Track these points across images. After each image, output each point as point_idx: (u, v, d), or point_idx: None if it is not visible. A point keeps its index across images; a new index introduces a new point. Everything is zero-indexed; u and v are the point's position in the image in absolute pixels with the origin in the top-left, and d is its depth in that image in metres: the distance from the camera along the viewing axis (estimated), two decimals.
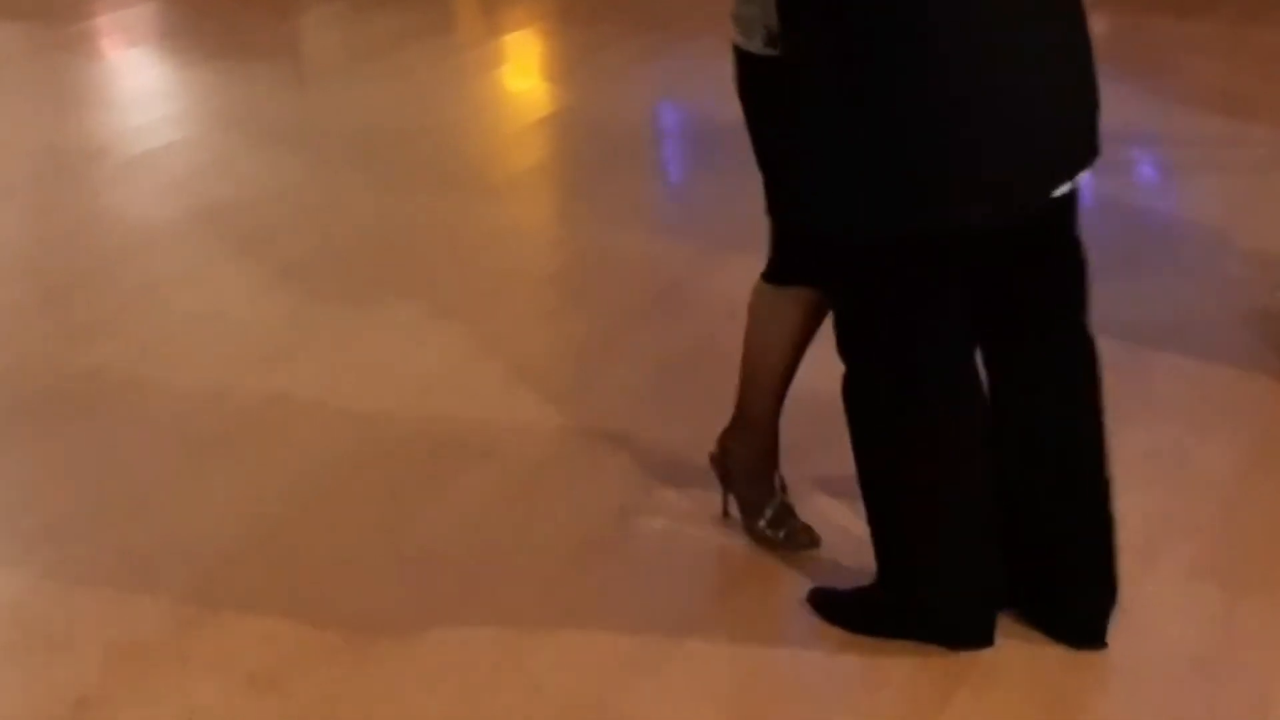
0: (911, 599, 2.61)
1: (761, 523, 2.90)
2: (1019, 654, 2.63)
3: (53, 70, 6.01)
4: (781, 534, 2.90)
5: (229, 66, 5.93)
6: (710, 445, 3.22)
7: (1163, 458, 3.23)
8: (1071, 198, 2.53)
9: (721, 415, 3.40)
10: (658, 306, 3.96)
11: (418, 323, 3.89)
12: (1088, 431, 2.65)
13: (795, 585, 2.83)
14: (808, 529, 2.90)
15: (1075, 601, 2.65)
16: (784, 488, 2.94)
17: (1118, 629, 2.69)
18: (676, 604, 2.78)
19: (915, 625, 2.61)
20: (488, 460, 3.24)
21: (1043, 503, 2.61)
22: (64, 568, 2.90)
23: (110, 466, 3.24)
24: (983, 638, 2.60)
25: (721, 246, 4.29)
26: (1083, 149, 2.48)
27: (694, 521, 3.03)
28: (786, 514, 2.92)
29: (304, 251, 4.31)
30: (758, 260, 4.23)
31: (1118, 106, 5.49)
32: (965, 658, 2.60)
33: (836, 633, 2.68)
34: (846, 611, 2.68)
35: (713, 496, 3.06)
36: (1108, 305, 3.89)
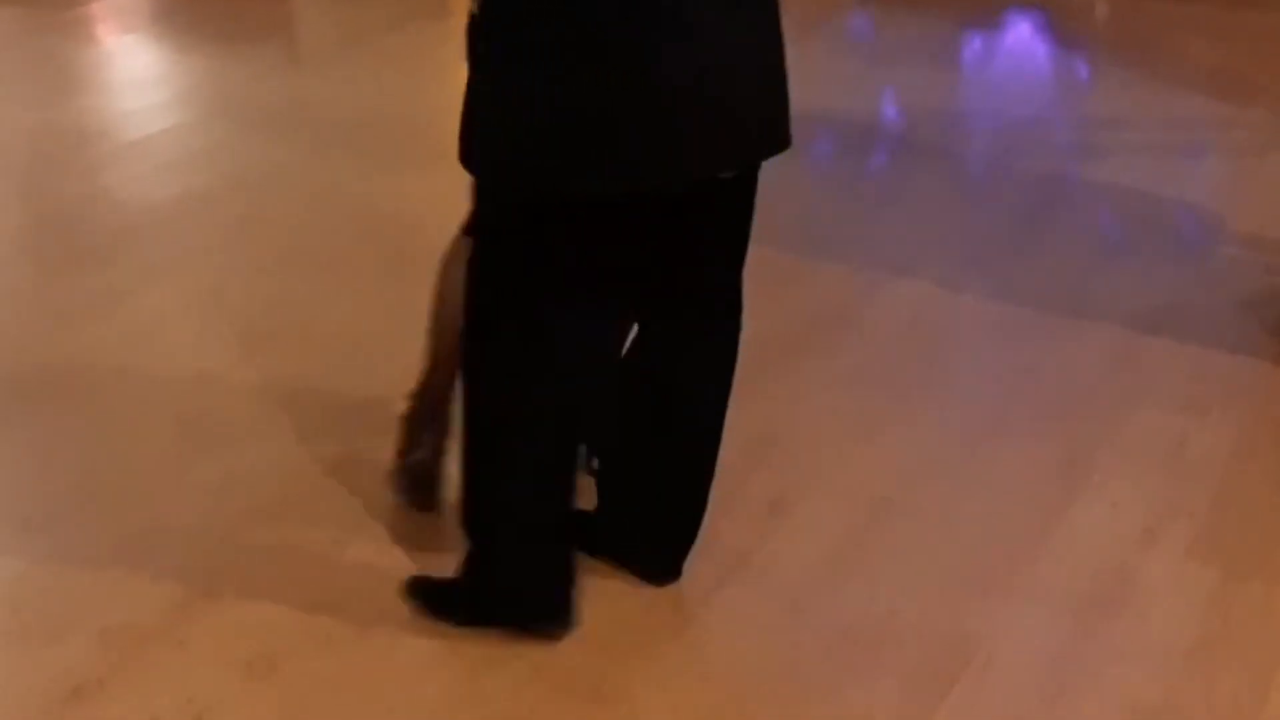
0: (490, 582, 2.63)
1: (408, 460, 2.95)
2: (1015, 645, 2.63)
3: (47, 55, 5.99)
4: (406, 480, 2.95)
5: (223, 51, 5.91)
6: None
7: (1159, 441, 3.24)
8: (747, 181, 2.53)
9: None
10: None
11: (413, 304, 3.86)
12: (716, 404, 2.70)
13: (794, 572, 2.83)
14: (435, 496, 2.94)
15: (665, 544, 2.76)
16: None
17: (1114, 611, 2.70)
18: (674, 588, 2.78)
19: (497, 609, 2.64)
20: None
21: (657, 459, 2.69)
22: (59, 553, 2.90)
23: (105, 450, 3.23)
24: (562, 620, 2.63)
25: None
26: (769, 136, 2.45)
27: None
28: (431, 466, 2.94)
29: (299, 235, 4.30)
30: (750, 243, 4.23)
31: (1114, 90, 5.57)
32: (966, 650, 2.61)
33: (835, 621, 2.69)
34: (437, 602, 2.69)
35: (725, 478, 3.07)
36: (1104, 290, 3.92)
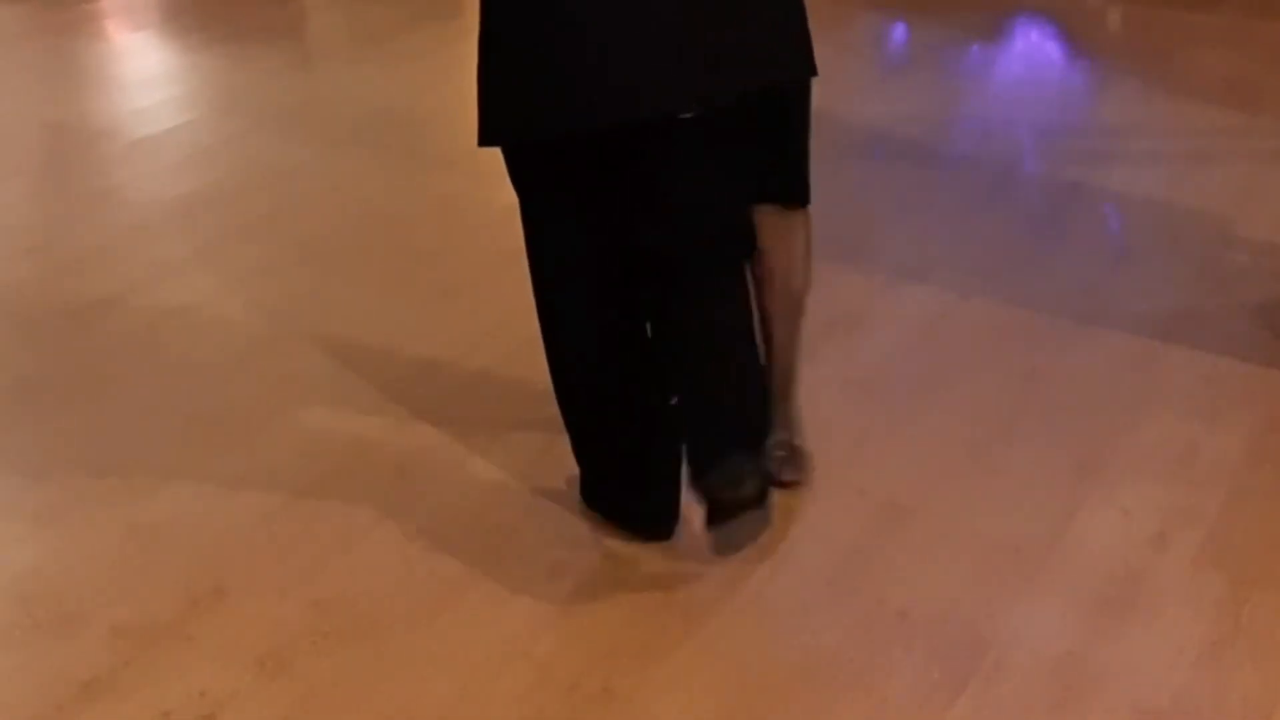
0: (587, 478, 2.95)
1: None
2: (1025, 648, 2.63)
3: (58, 52, 6.00)
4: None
5: (234, 50, 5.92)
6: None
7: (1171, 448, 3.23)
8: (740, 113, 2.67)
9: None
10: None
11: (423, 302, 3.88)
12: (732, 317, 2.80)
13: (805, 574, 2.83)
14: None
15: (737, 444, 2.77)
16: None
17: (1124, 615, 2.70)
18: (685, 590, 2.78)
19: (598, 503, 2.94)
20: (495, 441, 3.24)
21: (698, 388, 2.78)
22: (71, 548, 2.90)
23: (117, 446, 3.24)
24: (651, 527, 2.86)
25: None
26: (713, 81, 2.54)
27: (699, 506, 3.02)
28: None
29: (309, 232, 4.30)
30: None
31: (1126, 98, 5.56)
32: (976, 653, 2.60)
33: (846, 624, 2.69)
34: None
35: None
36: (1115, 296, 3.92)
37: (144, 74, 5.86)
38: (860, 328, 3.76)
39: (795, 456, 3.10)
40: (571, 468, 3.01)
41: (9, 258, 4.19)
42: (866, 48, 6.19)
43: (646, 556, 2.89)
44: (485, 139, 2.60)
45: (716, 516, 2.80)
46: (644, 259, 2.72)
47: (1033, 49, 6.23)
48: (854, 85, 5.63)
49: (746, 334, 2.81)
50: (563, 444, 3.23)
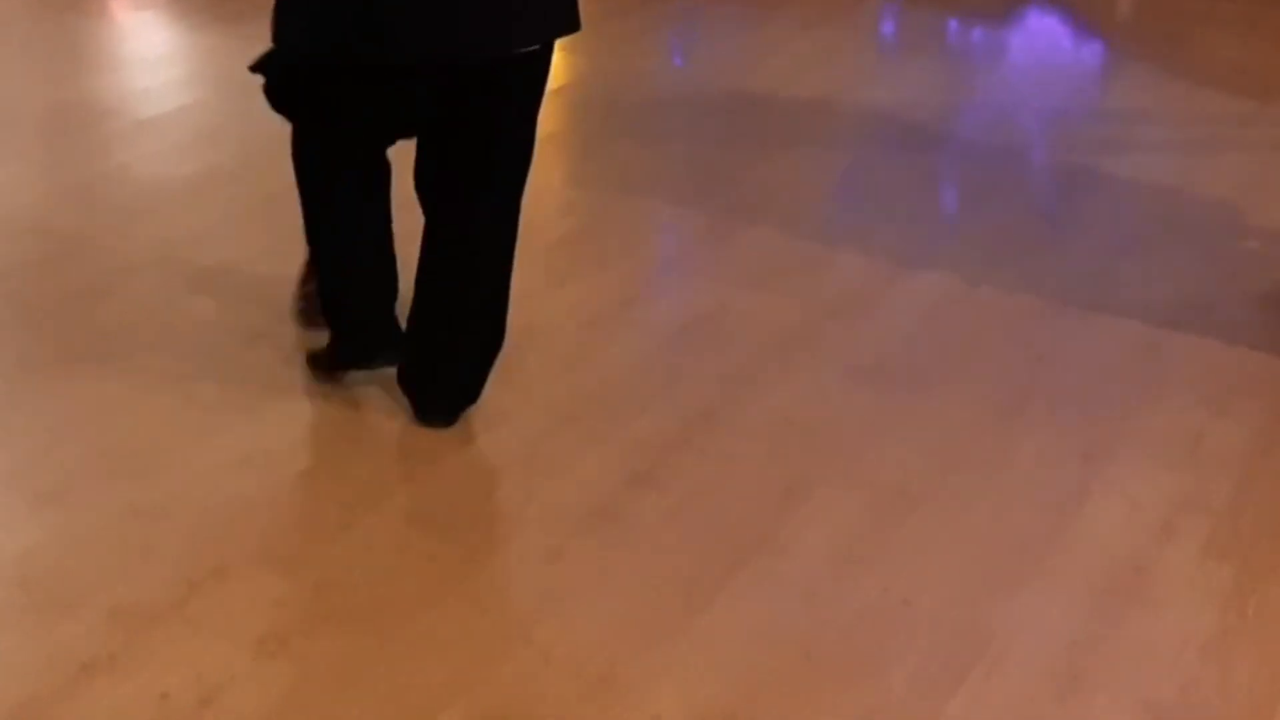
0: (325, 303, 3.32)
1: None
2: (1029, 637, 2.62)
3: (62, 31, 5.97)
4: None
5: (240, 29, 5.89)
6: (723, 416, 3.22)
7: (1178, 437, 3.22)
8: (516, 72, 2.95)
9: (734, 383, 3.40)
10: (668, 273, 3.95)
11: None
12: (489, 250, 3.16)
13: (808, 561, 2.82)
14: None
15: (442, 387, 3.20)
16: None
17: (1130, 605, 2.68)
18: (687, 576, 2.76)
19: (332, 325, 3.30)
20: (497, 425, 3.23)
21: (445, 298, 3.16)
22: (70, 529, 2.89)
23: (119, 426, 3.23)
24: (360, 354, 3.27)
25: (733, 215, 4.28)
26: (524, 27, 2.87)
27: (702, 493, 3.01)
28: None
29: None
30: (770, 230, 4.24)
31: (1135, 84, 5.54)
32: (980, 641, 2.59)
33: (849, 611, 2.67)
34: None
35: (726, 461, 3.06)
36: (1123, 284, 3.90)
37: (149, 53, 5.84)
38: (866, 314, 3.75)
39: None
40: (572, 458, 2.99)
41: (13, 237, 4.17)
42: (874, 31, 6.16)
43: (647, 545, 2.88)
44: (277, 43, 2.93)
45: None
46: (434, 186, 3.08)
47: (1042, 33, 6.20)
48: (861, 69, 5.61)
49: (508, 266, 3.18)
50: (564, 431, 3.23)
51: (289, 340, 3.57)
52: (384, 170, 3.20)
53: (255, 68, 3.10)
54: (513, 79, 2.97)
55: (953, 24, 6.15)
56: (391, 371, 3.27)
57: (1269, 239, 4.19)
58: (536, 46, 2.93)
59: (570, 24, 2.98)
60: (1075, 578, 2.77)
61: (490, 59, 2.88)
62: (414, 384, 3.22)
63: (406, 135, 3.09)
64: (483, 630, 2.62)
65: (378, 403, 3.32)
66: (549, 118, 5.15)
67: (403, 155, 3.16)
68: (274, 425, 3.23)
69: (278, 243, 4.11)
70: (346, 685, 2.49)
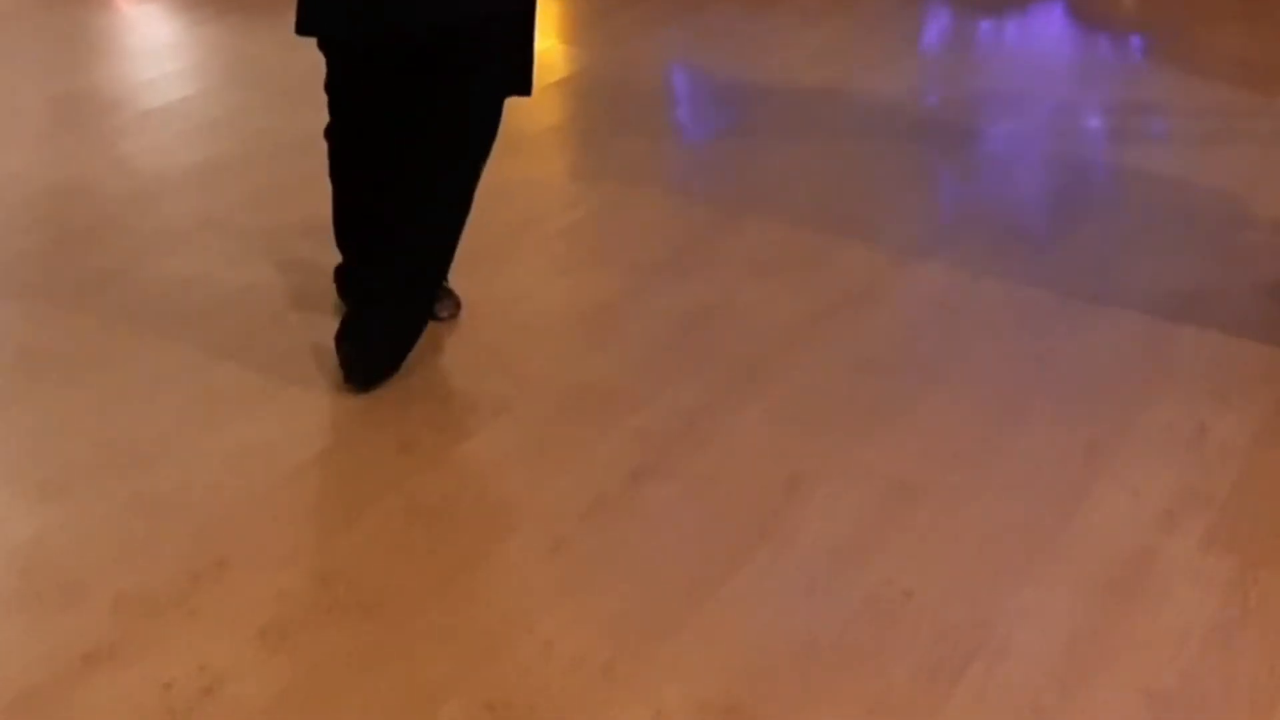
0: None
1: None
2: (1032, 628, 2.62)
3: (65, 22, 5.97)
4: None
5: (243, 21, 5.89)
6: (727, 406, 3.22)
7: (1182, 429, 3.21)
8: (471, 40, 3.21)
9: (738, 374, 3.40)
10: (673, 264, 3.94)
11: None
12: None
13: (811, 552, 2.81)
14: None
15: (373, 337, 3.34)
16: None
17: (1132, 596, 2.68)
18: (690, 568, 2.76)
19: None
20: (500, 417, 3.23)
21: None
22: (74, 519, 2.89)
23: (121, 418, 3.23)
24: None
25: (736, 207, 4.28)
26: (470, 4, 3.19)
27: (705, 484, 3.01)
28: None
29: (318, 204, 4.27)
30: (772, 222, 4.24)
31: (1141, 76, 5.52)
32: (982, 633, 2.59)
33: (852, 603, 2.67)
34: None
35: (729, 453, 3.06)
36: (1128, 275, 3.90)
37: (153, 45, 5.84)
38: (870, 305, 3.74)
39: (447, 296, 3.59)
40: (574, 450, 2.99)
41: (16, 228, 4.17)
42: (881, 23, 6.14)
43: (650, 537, 2.88)
44: (299, 29, 3.32)
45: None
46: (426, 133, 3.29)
47: (1047, 25, 6.19)
48: (867, 61, 5.60)
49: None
50: (569, 421, 3.23)
51: (292, 332, 3.57)
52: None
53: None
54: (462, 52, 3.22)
55: (958, 16, 6.14)
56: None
57: (1274, 231, 4.18)
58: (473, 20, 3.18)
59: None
60: (1078, 569, 2.76)
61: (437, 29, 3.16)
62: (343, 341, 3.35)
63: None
64: (484, 622, 2.62)
65: (380, 396, 3.32)
66: (551, 110, 5.16)
67: None
68: (276, 417, 3.23)
69: (281, 233, 4.11)
70: (348, 676, 2.49)
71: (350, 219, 3.51)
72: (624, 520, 2.91)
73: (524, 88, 3.39)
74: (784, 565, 2.78)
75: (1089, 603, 2.67)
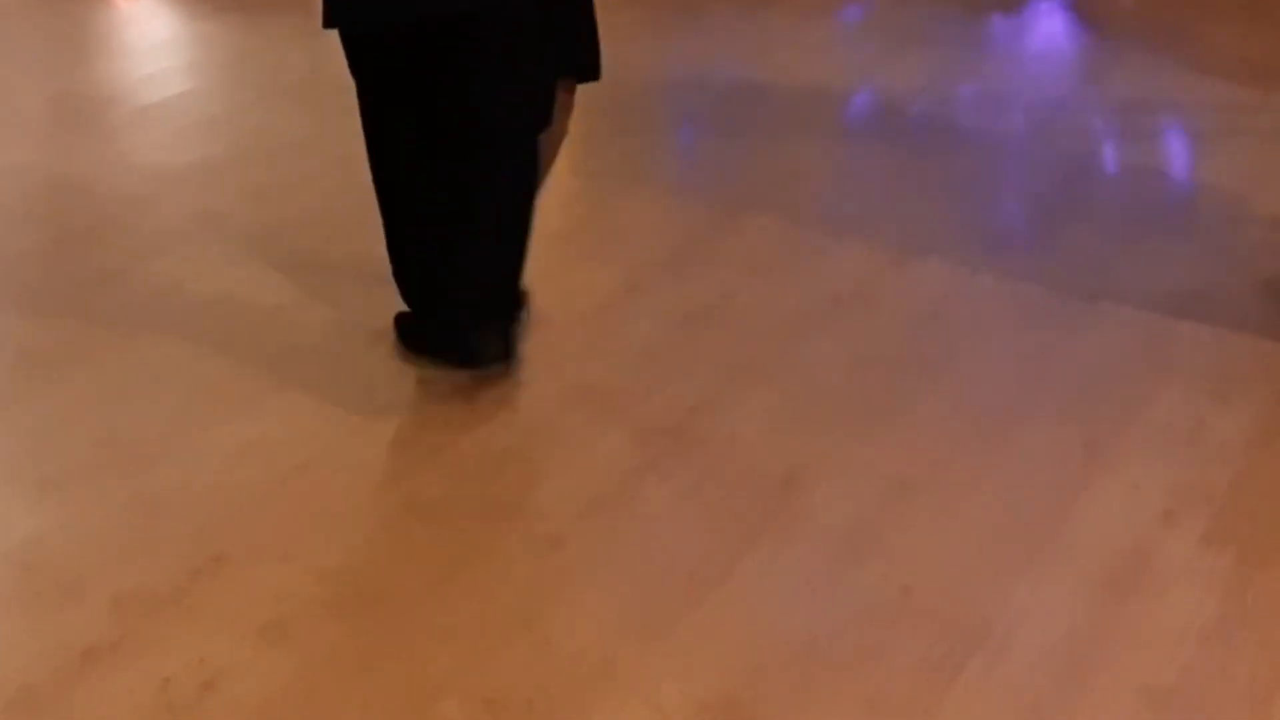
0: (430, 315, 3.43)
1: None
2: (1030, 625, 2.62)
3: (63, 19, 5.97)
4: None
5: (241, 18, 5.89)
6: (726, 404, 3.22)
7: (1180, 425, 3.21)
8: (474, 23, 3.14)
9: (737, 372, 3.40)
10: (672, 263, 3.95)
11: None
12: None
13: (810, 549, 2.82)
14: None
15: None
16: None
17: (1130, 593, 2.68)
18: (688, 565, 2.77)
19: (438, 344, 3.37)
20: (499, 414, 3.23)
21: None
22: (74, 516, 2.89)
23: (120, 415, 3.23)
24: (495, 355, 3.27)
25: (735, 206, 4.28)
26: None
27: (704, 481, 3.01)
28: None
29: (317, 202, 4.28)
30: (771, 220, 4.24)
31: (1139, 73, 5.53)
32: (981, 630, 2.59)
33: (850, 600, 2.67)
34: (407, 334, 3.45)
35: (729, 449, 3.06)
36: (1127, 272, 3.90)
37: (150, 41, 5.83)
38: (868, 304, 3.75)
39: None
40: (574, 446, 2.99)
41: (14, 226, 4.18)
42: (876, 21, 6.15)
43: (649, 533, 2.88)
44: (326, 23, 3.18)
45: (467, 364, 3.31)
46: (463, 129, 3.20)
47: (1045, 22, 6.19)
48: (864, 58, 5.60)
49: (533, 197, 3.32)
50: (568, 420, 3.23)
51: (292, 330, 3.57)
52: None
53: None
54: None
55: (955, 14, 6.14)
56: (396, 355, 3.28)
57: (1272, 227, 4.19)
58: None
59: None
60: (1076, 565, 2.77)
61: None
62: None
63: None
64: (484, 618, 2.62)
65: (380, 392, 3.32)
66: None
67: None
68: (276, 415, 3.23)
69: (279, 229, 4.11)
70: (348, 673, 2.49)
71: (412, 241, 3.38)
72: (623, 518, 2.91)
73: (587, 71, 3.37)
74: (783, 563, 2.78)
75: (1088, 600, 2.68)
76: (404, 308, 3.46)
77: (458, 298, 3.29)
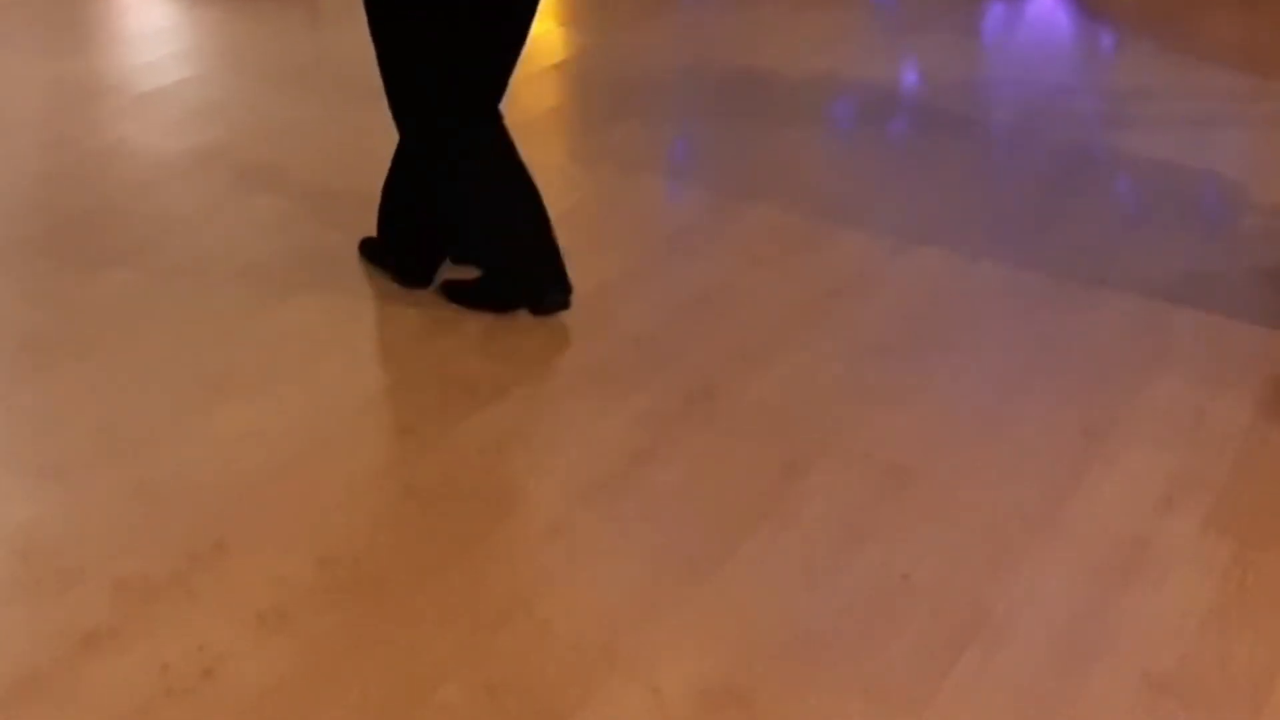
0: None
1: None
2: (1029, 611, 2.62)
3: (62, 6, 5.96)
4: None
5: (240, 5, 5.88)
6: (725, 391, 3.22)
7: (1179, 411, 3.22)
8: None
9: (736, 359, 3.40)
10: (671, 249, 3.95)
11: None
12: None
13: (809, 536, 2.82)
14: None
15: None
16: None
17: (1129, 579, 2.69)
18: (688, 550, 2.77)
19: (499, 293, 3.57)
20: (499, 400, 3.23)
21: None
22: (74, 503, 2.89)
23: (120, 402, 3.23)
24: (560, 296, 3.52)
25: (734, 192, 4.28)
26: None
27: (703, 467, 3.01)
28: None
29: (316, 189, 4.28)
30: (770, 208, 4.24)
31: (1139, 61, 5.52)
32: (979, 616, 2.59)
33: (849, 586, 2.68)
34: (466, 294, 3.60)
35: (728, 436, 3.05)
36: (1125, 259, 3.90)
37: (150, 28, 5.83)
38: (867, 290, 3.75)
39: None
40: (574, 432, 2.99)
41: (15, 213, 4.17)
42: (876, 9, 6.14)
43: (648, 519, 2.88)
44: None
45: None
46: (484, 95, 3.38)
47: (1045, 10, 6.18)
48: (864, 46, 5.60)
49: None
50: (568, 404, 3.23)
51: (292, 315, 3.57)
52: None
53: None
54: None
55: (956, 2, 6.13)
56: (396, 341, 3.28)
57: (1270, 215, 4.19)
58: None
59: None
60: (1075, 552, 2.77)
61: None
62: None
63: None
64: (484, 603, 2.62)
65: (379, 379, 3.33)
66: (549, 93, 5.16)
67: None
68: (275, 400, 3.23)
69: (277, 216, 4.11)
70: (347, 658, 2.50)
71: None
72: (622, 502, 2.91)
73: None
74: (782, 548, 2.79)
75: (1087, 586, 2.68)
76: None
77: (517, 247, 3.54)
